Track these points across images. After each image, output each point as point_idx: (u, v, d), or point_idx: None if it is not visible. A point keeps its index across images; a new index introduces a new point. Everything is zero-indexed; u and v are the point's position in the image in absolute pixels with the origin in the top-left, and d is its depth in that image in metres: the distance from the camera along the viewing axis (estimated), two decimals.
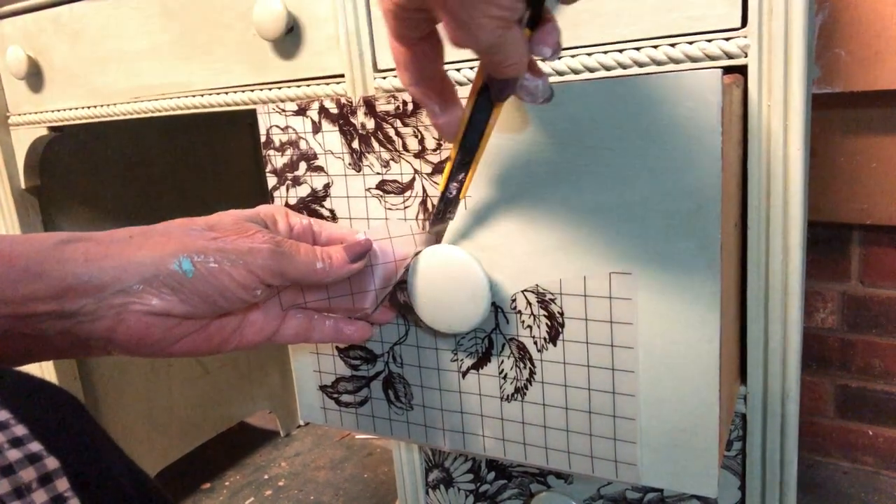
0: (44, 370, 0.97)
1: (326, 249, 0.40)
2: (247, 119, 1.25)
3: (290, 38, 0.61)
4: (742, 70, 0.44)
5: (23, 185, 0.89)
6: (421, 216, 0.43)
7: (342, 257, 0.40)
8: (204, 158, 1.21)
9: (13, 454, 0.28)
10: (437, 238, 0.42)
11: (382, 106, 0.43)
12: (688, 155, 0.34)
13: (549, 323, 0.40)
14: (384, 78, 0.57)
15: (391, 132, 0.43)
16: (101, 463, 0.32)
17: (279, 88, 0.64)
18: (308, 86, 0.62)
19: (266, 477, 1.23)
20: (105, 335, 0.34)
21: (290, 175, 0.48)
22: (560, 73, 0.49)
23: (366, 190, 0.45)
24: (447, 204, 0.39)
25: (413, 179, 0.43)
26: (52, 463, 0.29)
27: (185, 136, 1.18)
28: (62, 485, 0.29)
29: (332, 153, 0.46)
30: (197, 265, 0.35)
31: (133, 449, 1.08)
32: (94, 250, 0.34)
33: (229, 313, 0.39)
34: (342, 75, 0.59)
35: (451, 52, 0.53)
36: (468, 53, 0.52)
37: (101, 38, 0.74)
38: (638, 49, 0.46)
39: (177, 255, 0.35)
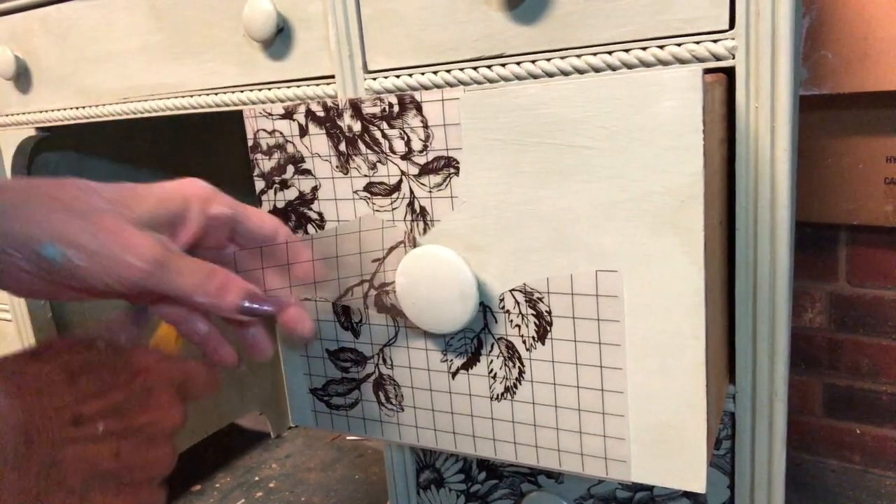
0: None
1: (225, 281, 0.37)
2: (237, 120, 1.24)
3: (280, 39, 0.61)
4: (730, 72, 0.44)
5: None
6: (409, 217, 0.43)
7: (235, 302, 0.37)
8: (194, 159, 1.21)
9: None
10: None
11: (368, 108, 0.43)
12: (670, 152, 0.34)
13: (537, 322, 0.40)
14: (374, 79, 0.57)
15: (378, 134, 0.43)
16: None
17: (269, 89, 0.64)
18: (298, 87, 0.62)
19: (257, 479, 1.23)
20: None
21: (277, 178, 0.48)
22: (549, 75, 0.49)
23: (353, 192, 0.45)
24: None
25: (400, 181, 0.43)
26: None
27: (175, 136, 1.17)
28: None
29: (320, 156, 0.46)
30: (63, 258, 0.34)
31: None
32: None
33: None
34: (332, 76, 0.59)
35: (447, 53, 0.53)
36: (463, 54, 0.52)
37: (90, 39, 0.74)
38: (627, 51, 0.46)
39: (45, 241, 0.34)
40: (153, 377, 0.35)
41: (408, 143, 0.42)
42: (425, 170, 0.42)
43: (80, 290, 0.36)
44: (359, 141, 0.44)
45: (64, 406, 0.31)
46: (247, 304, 0.37)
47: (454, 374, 0.44)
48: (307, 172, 0.46)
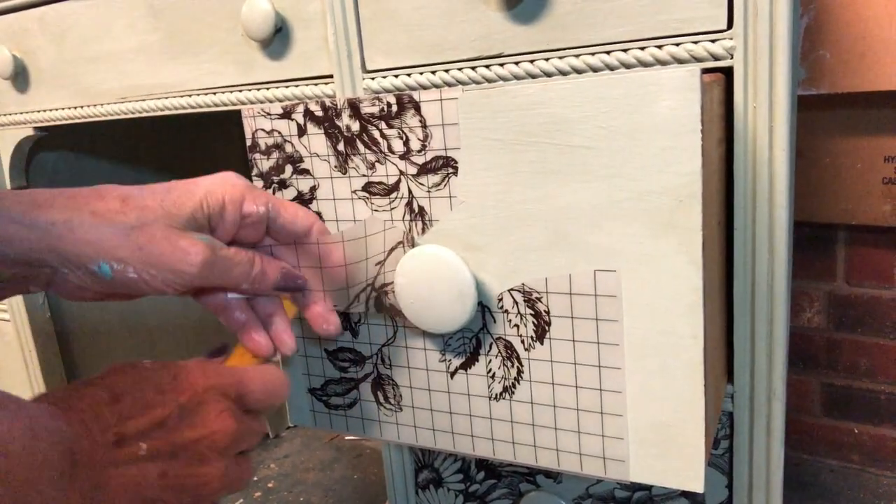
0: (31, 376, 0.96)
1: (263, 265, 0.40)
2: (235, 119, 1.24)
3: (278, 39, 0.61)
4: (728, 71, 0.44)
5: (8, 186, 0.88)
6: (407, 217, 0.43)
7: (273, 281, 0.41)
8: (193, 159, 1.21)
9: None
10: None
11: (367, 108, 0.43)
12: (668, 152, 0.34)
13: (535, 321, 0.40)
14: (373, 79, 0.57)
15: (376, 134, 0.43)
16: None
17: (268, 89, 0.64)
18: (297, 86, 0.62)
19: (255, 478, 1.23)
20: (38, 290, 0.37)
21: (276, 178, 0.48)
22: (548, 75, 0.49)
23: (352, 192, 0.45)
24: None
25: (398, 181, 0.43)
26: None
27: (173, 136, 1.17)
28: None
29: (318, 156, 0.46)
30: (116, 272, 0.36)
31: None
32: (31, 237, 0.35)
33: None
34: (331, 76, 0.59)
35: (446, 53, 0.53)
36: (461, 53, 0.52)
37: (88, 38, 0.74)
38: (625, 51, 0.46)
39: (97, 260, 0.35)
40: (201, 391, 0.35)
41: (406, 142, 0.42)
42: (424, 169, 0.42)
43: (132, 295, 0.38)
44: (357, 141, 0.44)
45: (107, 427, 0.31)
46: (282, 282, 0.41)
47: (453, 374, 0.44)
48: (306, 172, 0.46)
